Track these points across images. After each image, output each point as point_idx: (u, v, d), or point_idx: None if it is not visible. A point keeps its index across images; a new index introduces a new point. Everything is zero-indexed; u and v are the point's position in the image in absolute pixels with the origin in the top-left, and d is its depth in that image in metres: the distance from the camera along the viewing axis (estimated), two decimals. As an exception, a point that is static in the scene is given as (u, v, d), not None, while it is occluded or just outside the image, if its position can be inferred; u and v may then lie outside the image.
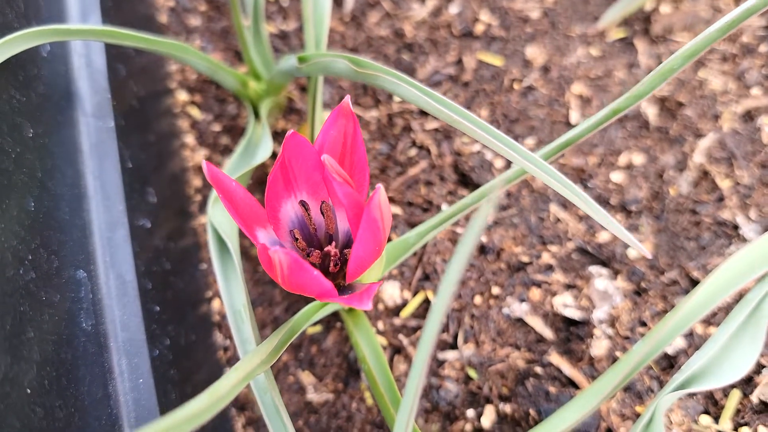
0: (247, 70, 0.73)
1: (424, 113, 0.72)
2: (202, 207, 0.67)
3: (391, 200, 0.68)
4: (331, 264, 0.43)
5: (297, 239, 0.43)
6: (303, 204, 0.44)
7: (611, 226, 0.43)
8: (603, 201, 0.66)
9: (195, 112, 0.72)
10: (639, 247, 0.43)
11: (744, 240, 0.64)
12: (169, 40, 0.56)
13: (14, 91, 0.43)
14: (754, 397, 0.58)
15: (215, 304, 0.63)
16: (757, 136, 0.68)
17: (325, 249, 0.44)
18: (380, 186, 0.37)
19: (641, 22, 0.76)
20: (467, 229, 0.24)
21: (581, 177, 0.68)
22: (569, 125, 0.70)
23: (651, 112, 0.70)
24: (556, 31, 0.76)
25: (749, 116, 0.70)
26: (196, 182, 0.68)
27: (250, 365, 0.39)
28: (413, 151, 0.70)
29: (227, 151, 0.71)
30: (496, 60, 0.74)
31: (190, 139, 0.70)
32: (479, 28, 0.77)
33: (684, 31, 0.74)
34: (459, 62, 0.75)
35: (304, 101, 0.73)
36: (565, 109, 0.71)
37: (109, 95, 0.52)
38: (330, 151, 0.44)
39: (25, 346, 0.35)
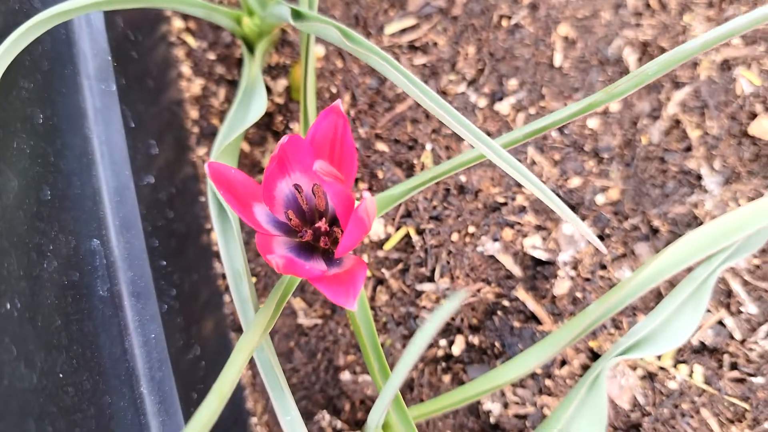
0: (240, 6, 0.73)
1: (413, 48, 0.74)
2: (200, 139, 0.71)
3: (378, 137, 0.71)
4: (321, 239, 0.48)
5: (290, 219, 0.48)
6: (296, 187, 0.48)
7: (573, 221, 0.47)
8: (578, 147, 0.70)
9: (190, 39, 0.73)
10: (597, 243, 0.48)
11: (705, 190, 0.69)
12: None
13: (23, 80, 0.45)
14: (694, 339, 0.66)
15: (214, 235, 0.69)
16: (731, 86, 0.71)
17: (316, 225, 0.48)
18: (368, 196, 0.41)
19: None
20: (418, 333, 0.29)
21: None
22: (553, 67, 0.73)
23: (632, 58, 0.73)
24: (549, -37, 0.76)
25: (727, 66, 0.72)
26: (193, 114, 0.71)
27: (250, 343, 0.45)
28: (398, 88, 0.72)
29: (222, 81, 0.73)
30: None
31: (185, 68, 0.72)
32: (472, -42, 0.76)
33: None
34: (450, -6, 0.75)
35: (297, 33, 0.74)
36: (550, 51, 0.73)
37: (110, 57, 0.54)
38: (320, 141, 0.47)
39: (55, 335, 0.41)
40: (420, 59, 0.73)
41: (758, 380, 0.64)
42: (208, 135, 0.71)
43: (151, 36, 0.67)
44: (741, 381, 0.65)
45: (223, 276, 0.68)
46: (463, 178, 0.70)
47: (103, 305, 0.48)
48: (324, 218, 0.49)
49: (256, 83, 0.62)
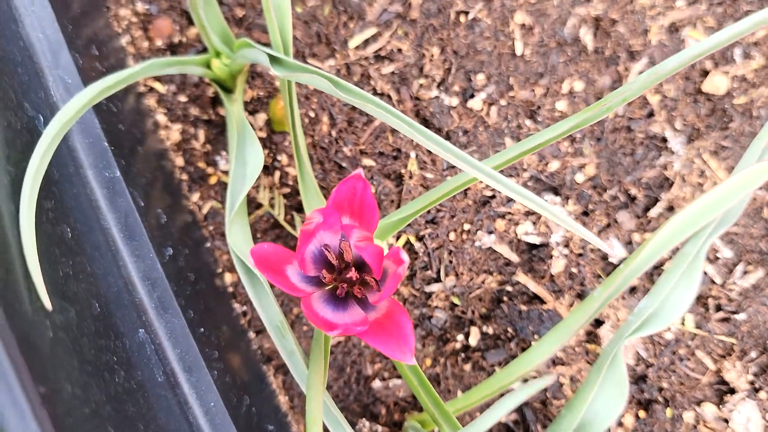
0: (202, 41, 0.73)
1: (379, 57, 0.76)
2: (191, 186, 0.72)
3: (363, 153, 0.74)
4: (355, 289, 0.52)
5: (325, 277, 0.51)
6: (326, 247, 0.51)
7: (573, 227, 0.52)
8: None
9: (158, 86, 0.73)
10: (600, 244, 0.52)
11: (671, 152, 0.75)
12: (140, 67, 0.57)
13: (46, 202, 0.46)
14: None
15: (226, 277, 0.71)
16: (681, 47, 0.76)
17: (347, 275, 0.52)
18: (401, 252, 0.45)
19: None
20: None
21: (530, 110, 0.75)
22: (515, 56, 0.76)
23: (588, 36, 0.76)
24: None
25: (674, 28, 0.76)
26: (179, 161, 0.72)
27: (317, 389, 0.49)
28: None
29: (199, 122, 0.73)
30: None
31: (160, 116, 0.72)
32: (420, -42, 0.77)
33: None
34: (405, -3, 0.77)
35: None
36: (510, 40, 0.76)
37: (106, 142, 0.55)
38: (340, 201, 0.51)
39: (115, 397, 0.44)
40: (388, 68, 0.75)
41: (740, 316, 0.72)
42: (198, 179, 0.72)
43: (125, 97, 0.68)
44: (726, 320, 0.72)
45: (244, 314, 0.71)
46: (448, 180, 0.73)
47: (164, 390, 0.51)
48: (353, 267, 0.52)
49: (245, 132, 0.64)
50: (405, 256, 0.46)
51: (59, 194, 0.49)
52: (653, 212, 0.73)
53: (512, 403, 0.46)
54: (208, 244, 0.71)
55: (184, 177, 0.72)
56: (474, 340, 0.71)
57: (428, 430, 0.66)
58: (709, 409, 0.70)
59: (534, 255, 0.73)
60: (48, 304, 0.40)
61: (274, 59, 0.60)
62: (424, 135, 0.51)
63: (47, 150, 0.46)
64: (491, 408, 0.47)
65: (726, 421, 0.70)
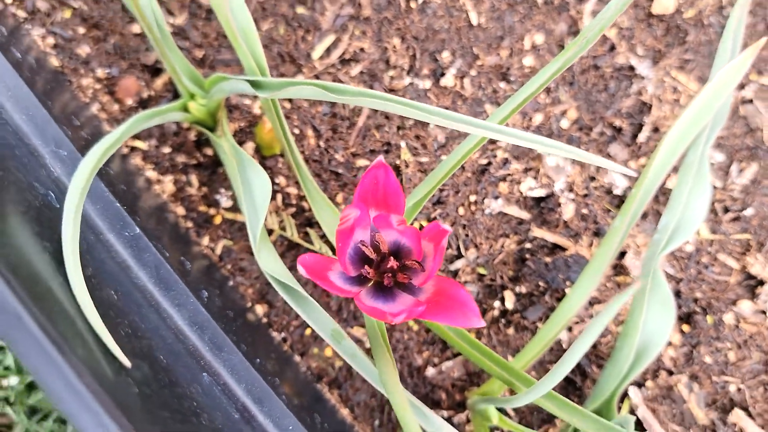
0: (170, 91, 0.73)
1: (345, 61, 0.77)
2: (199, 230, 0.72)
3: (355, 155, 0.75)
4: (399, 276, 0.52)
5: (369, 272, 0.52)
6: (362, 243, 0.52)
7: (586, 156, 0.53)
8: (526, 87, 0.76)
9: (139, 143, 0.73)
10: (617, 167, 0.54)
11: (641, 77, 0.77)
12: (127, 125, 0.57)
13: (86, 270, 0.46)
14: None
15: (257, 309, 0.71)
16: (622, -21, 0.79)
17: (388, 265, 0.52)
18: (446, 234, 0.46)
19: None
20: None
21: (502, 73, 0.77)
22: (473, 27, 0.78)
23: (535, -10, 0.79)
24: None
25: (611, -37, 0.79)
26: (180, 210, 0.72)
27: (394, 383, 0.50)
28: (352, 102, 0.76)
29: (189, 167, 0.74)
30: (385, -16, 0.78)
31: (150, 173, 0.72)
32: (357, -42, 0.79)
33: None
34: (352, -2, 0.78)
35: (241, 95, 0.75)
36: (464, 13, 0.78)
37: (117, 202, 0.55)
38: (364, 194, 0.51)
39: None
40: (356, 69, 0.76)
41: (748, 212, 0.75)
42: (203, 223, 0.72)
43: (110, 162, 0.67)
44: (736, 219, 0.75)
45: (284, 340, 0.71)
46: (444, 158, 0.75)
47: (242, 426, 0.51)
48: (390, 257, 0.53)
49: (243, 161, 0.64)
50: (446, 226, 0.47)
51: (92, 261, 0.49)
52: (641, 137, 0.76)
53: (590, 338, 0.47)
54: (231, 283, 0.71)
55: (189, 224, 0.72)
56: (510, 303, 0.73)
57: (497, 396, 0.67)
58: (745, 306, 0.73)
59: (543, 207, 0.74)
60: (126, 362, 0.40)
61: (254, 83, 0.60)
62: (428, 111, 0.52)
63: (74, 222, 0.46)
64: (571, 349, 0.48)
65: (764, 312, 0.73)
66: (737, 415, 0.70)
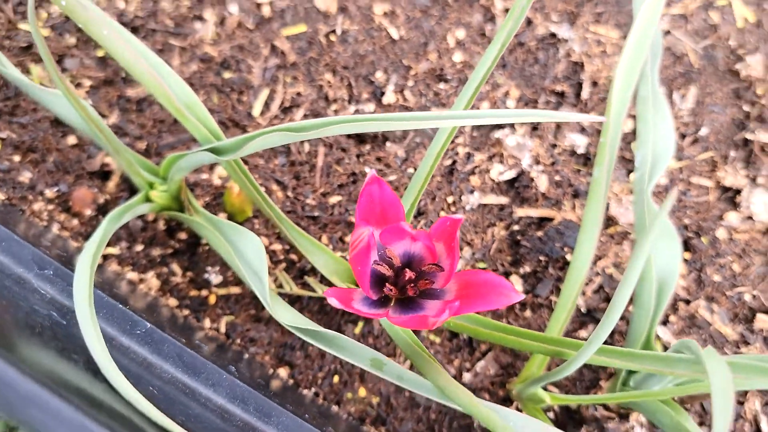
0: (125, 189, 0.72)
1: (286, 110, 0.77)
2: (198, 314, 0.70)
3: (325, 194, 0.75)
4: (421, 283, 0.52)
5: (391, 290, 0.51)
6: (377, 264, 0.51)
7: (567, 117, 0.55)
8: (464, 80, 0.78)
9: (110, 249, 0.71)
10: (581, 117, 0.56)
11: (565, 40, 0.80)
12: (102, 229, 0.56)
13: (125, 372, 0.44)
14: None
15: (281, 372, 0.69)
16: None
17: (406, 278, 0.52)
18: (459, 221, 0.46)
19: None
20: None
21: (437, 75, 0.79)
22: (394, 41, 0.79)
23: (442, -9, 0.81)
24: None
25: (502, -53, 0.83)
26: (172, 302, 0.70)
27: (457, 386, 0.49)
28: (305, 145, 0.76)
29: (166, 257, 0.72)
30: (299, 28, 0.79)
31: (131, 275, 0.70)
32: (266, 10, 0.80)
33: None
34: (274, 49, 0.79)
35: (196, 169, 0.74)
36: (383, 31, 0.80)
37: (121, 305, 0.53)
38: (365, 214, 0.51)
39: None
40: (299, 113, 0.77)
41: (703, 131, 0.78)
42: (198, 307, 0.70)
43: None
44: (695, 141, 0.78)
45: (316, 395, 0.69)
46: (411, 171, 0.75)
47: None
48: (405, 268, 0.52)
49: (224, 228, 0.63)
50: (456, 216, 0.47)
51: (120, 366, 0.47)
52: (584, 94, 0.79)
53: (630, 285, 0.48)
54: (246, 355, 0.69)
55: (186, 312, 0.70)
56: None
57: (542, 373, 0.67)
58: (732, 217, 0.75)
59: (518, 187, 0.76)
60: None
61: (214, 150, 0.60)
62: (398, 118, 0.52)
63: (96, 336, 0.45)
64: (615, 298, 0.49)
65: (750, 217, 0.75)
66: (762, 320, 0.72)
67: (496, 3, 0.81)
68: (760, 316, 0.72)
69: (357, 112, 0.77)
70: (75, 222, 0.71)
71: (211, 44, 0.78)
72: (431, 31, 0.80)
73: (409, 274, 0.51)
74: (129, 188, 0.74)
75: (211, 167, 0.74)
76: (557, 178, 0.76)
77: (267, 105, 0.77)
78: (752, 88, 0.80)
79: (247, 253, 0.62)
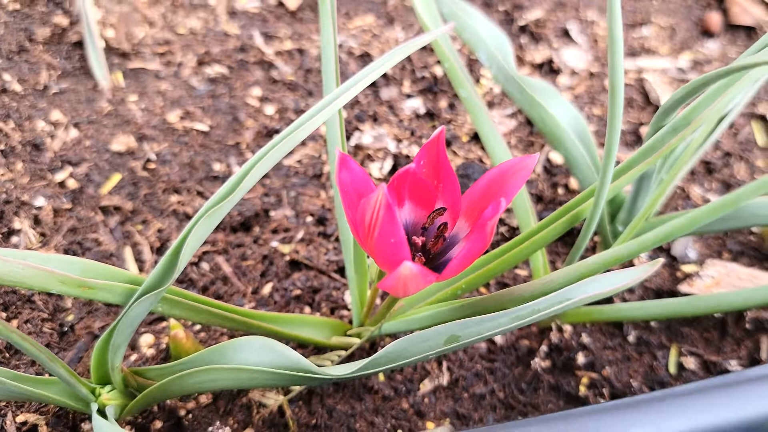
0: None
1: (159, 251, 0.70)
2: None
3: (256, 291, 0.68)
4: (437, 241, 0.49)
5: (422, 257, 0.48)
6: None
7: (402, 52, 0.57)
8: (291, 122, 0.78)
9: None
10: (420, 41, 0.59)
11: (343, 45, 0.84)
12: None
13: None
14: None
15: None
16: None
17: (422, 242, 0.49)
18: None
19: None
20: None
21: (267, 133, 0.77)
22: (208, 133, 0.77)
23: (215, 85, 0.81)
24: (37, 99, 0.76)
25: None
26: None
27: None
28: (203, 265, 0.69)
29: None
30: (115, 179, 0.73)
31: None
32: (71, 183, 0.72)
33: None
34: (104, 210, 0.72)
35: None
36: (192, 132, 0.77)
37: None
38: (347, 202, 0.47)
39: None
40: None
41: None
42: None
43: None
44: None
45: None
46: (309, 218, 0.72)
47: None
48: (413, 236, 0.49)
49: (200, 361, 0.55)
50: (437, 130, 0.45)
51: None
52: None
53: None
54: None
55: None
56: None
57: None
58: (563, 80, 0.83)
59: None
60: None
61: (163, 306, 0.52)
62: (245, 173, 0.50)
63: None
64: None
65: (574, 72, 0.84)
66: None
67: (266, 53, 0.82)
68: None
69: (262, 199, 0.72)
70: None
71: (42, 246, 0.69)
72: (231, 105, 0.79)
73: (418, 239, 0.49)
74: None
75: (135, 336, 0.65)
76: (424, 140, 0.78)
77: (140, 260, 0.69)
78: None
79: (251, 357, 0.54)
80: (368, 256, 0.60)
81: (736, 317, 0.68)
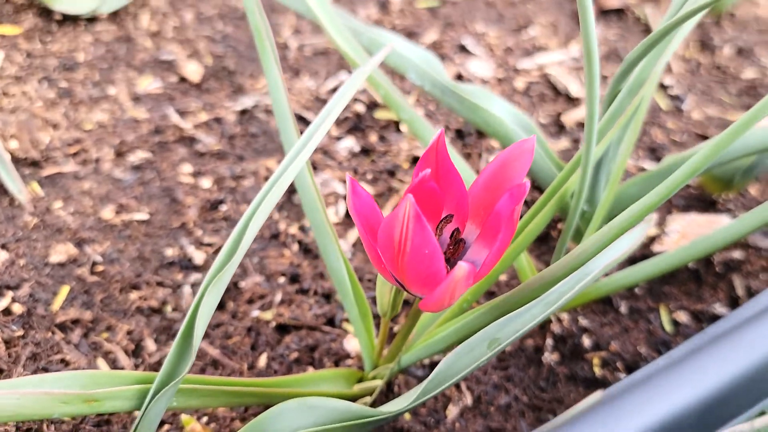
0: None
1: (136, 353, 0.65)
2: None
3: (252, 367, 0.65)
4: (458, 245, 0.48)
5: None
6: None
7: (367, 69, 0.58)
8: (235, 192, 0.75)
9: None
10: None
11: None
12: None
13: None
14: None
15: None
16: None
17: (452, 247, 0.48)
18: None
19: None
20: None
21: (212, 205, 0.74)
22: (149, 221, 0.73)
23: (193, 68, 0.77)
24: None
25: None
26: None
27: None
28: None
29: None
30: (64, 291, 0.67)
31: None
32: (17, 308, 0.66)
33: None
34: (62, 327, 0.66)
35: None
36: (132, 224, 0.72)
37: None
38: (363, 224, 0.45)
39: None
40: (149, 344, 0.65)
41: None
42: None
43: None
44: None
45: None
46: (282, 279, 0.70)
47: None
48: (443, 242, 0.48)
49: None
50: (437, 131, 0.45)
51: None
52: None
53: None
54: None
55: None
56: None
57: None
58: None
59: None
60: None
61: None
62: (229, 255, 0.49)
63: None
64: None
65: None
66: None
67: (184, 128, 0.80)
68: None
69: (194, 286, 0.68)
70: None
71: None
72: (165, 188, 0.75)
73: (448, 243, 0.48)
74: None
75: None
76: (369, 175, 0.78)
77: (117, 368, 0.64)
78: None
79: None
80: (372, 299, 0.57)
81: (705, 264, 0.72)
